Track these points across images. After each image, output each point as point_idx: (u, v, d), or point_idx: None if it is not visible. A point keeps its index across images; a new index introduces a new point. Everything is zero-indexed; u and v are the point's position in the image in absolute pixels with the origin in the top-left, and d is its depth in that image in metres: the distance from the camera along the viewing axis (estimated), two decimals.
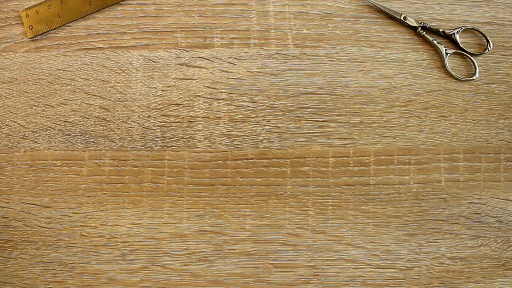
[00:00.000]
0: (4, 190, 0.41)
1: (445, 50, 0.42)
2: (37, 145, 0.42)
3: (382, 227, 0.42)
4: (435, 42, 0.42)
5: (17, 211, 0.41)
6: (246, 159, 0.41)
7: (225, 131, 0.42)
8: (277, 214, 0.41)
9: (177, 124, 0.42)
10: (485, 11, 0.44)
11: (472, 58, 0.43)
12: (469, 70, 0.43)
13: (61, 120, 0.42)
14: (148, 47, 0.42)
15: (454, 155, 0.42)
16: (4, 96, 0.42)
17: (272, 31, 0.43)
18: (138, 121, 0.42)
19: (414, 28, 0.43)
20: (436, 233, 0.42)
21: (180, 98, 0.42)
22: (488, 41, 0.43)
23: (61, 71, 0.42)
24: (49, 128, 0.42)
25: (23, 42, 0.42)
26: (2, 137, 0.42)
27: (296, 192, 0.41)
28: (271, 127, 0.42)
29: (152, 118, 0.42)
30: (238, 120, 0.42)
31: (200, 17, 0.43)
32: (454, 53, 0.43)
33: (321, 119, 0.42)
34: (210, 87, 0.42)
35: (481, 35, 0.43)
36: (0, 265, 0.41)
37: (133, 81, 0.42)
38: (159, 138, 0.42)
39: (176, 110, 0.42)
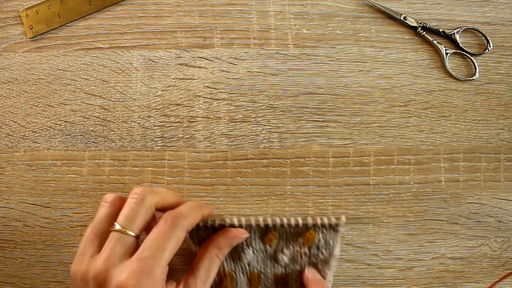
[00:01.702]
0: (4, 190, 0.41)
1: (445, 50, 0.42)
2: (37, 145, 0.42)
3: (382, 227, 0.42)
4: (435, 42, 0.42)
5: (17, 211, 0.41)
6: (246, 159, 0.41)
7: (225, 131, 0.42)
8: (277, 214, 0.41)
9: (177, 124, 0.42)
10: (485, 11, 0.43)
11: (472, 58, 0.43)
12: (469, 70, 0.43)
13: (61, 120, 0.42)
14: (148, 47, 0.42)
15: (454, 155, 0.42)
16: (4, 96, 0.42)
17: (272, 31, 0.43)
18: (138, 121, 0.42)
19: (414, 28, 0.43)
20: (436, 233, 0.42)
21: (180, 98, 0.42)
22: (488, 41, 0.43)
23: (61, 71, 0.42)
24: (49, 128, 0.42)
25: (23, 42, 0.42)
26: (2, 137, 0.42)
27: (296, 192, 0.41)
28: (271, 127, 0.42)
29: (152, 118, 0.42)
30: (238, 120, 0.42)
31: (200, 17, 0.43)
32: (454, 53, 0.43)
33: (321, 119, 0.42)
34: (210, 87, 0.42)
35: (481, 35, 0.43)
36: (0, 265, 0.41)
37: (133, 81, 0.42)
38: (159, 138, 0.41)
39: (176, 110, 0.42)
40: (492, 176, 0.42)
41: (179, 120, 0.42)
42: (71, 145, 0.41)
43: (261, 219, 0.37)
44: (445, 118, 0.42)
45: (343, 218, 0.37)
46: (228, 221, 0.36)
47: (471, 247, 0.42)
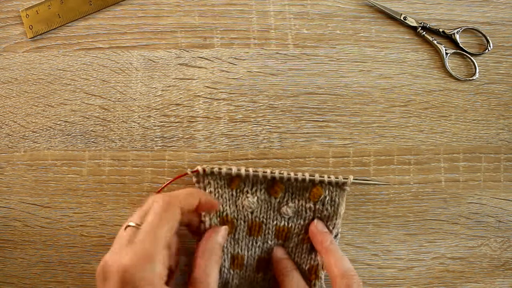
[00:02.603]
0: (4, 190, 0.41)
1: (445, 50, 0.42)
2: (37, 145, 0.42)
3: (382, 227, 0.42)
4: (435, 42, 0.42)
5: (17, 211, 0.41)
6: (246, 159, 0.41)
7: (225, 131, 0.42)
8: None
9: (177, 124, 0.42)
10: (485, 11, 0.43)
11: (472, 58, 0.43)
12: (469, 70, 0.43)
13: (61, 120, 0.42)
14: (148, 47, 0.42)
15: (454, 155, 0.42)
16: (4, 96, 0.42)
17: (272, 31, 0.43)
18: (138, 121, 0.42)
19: (414, 28, 0.43)
20: (436, 233, 0.42)
21: (180, 98, 0.42)
22: (488, 41, 0.43)
23: (61, 71, 0.42)
24: (49, 128, 0.42)
25: (23, 42, 0.42)
26: (2, 137, 0.42)
27: None
28: (271, 127, 0.42)
29: (152, 118, 0.42)
30: (238, 120, 0.42)
31: (200, 17, 0.43)
32: (454, 53, 0.43)
33: (321, 119, 0.42)
34: (210, 87, 0.42)
35: (481, 35, 0.43)
36: (0, 265, 0.41)
37: (133, 81, 0.42)
38: (159, 138, 0.41)
39: (176, 110, 0.42)
40: (492, 176, 0.42)
41: (179, 120, 0.42)
42: (71, 145, 0.41)
43: (268, 171, 0.38)
44: (445, 118, 0.42)
45: (351, 177, 0.38)
46: (235, 170, 0.38)
47: (471, 247, 0.42)
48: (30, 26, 0.42)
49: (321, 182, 0.38)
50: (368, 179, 0.41)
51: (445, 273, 0.42)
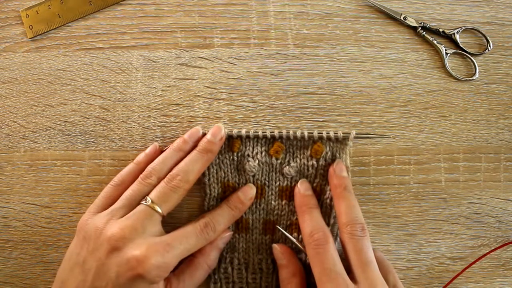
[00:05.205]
0: (4, 190, 0.41)
1: (445, 50, 0.42)
2: (37, 145, 0.42)
3: (382, 227, 0.42)
4: (435, 42, 0.42)
5: (17, 211, 0.41)
6: None
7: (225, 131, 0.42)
8: None
9: (177, 124, 0.42)
10: (485, 11, 0.44)
11: (472, 58, 0.43)
12: (469, 70, 0.43)
13: (61, 120, 0.42)
14: (148, 47, 0.42)
15: (454, 155, 0.42)
16: (4, 96, 0.42)
17: (272, 31, 0.43)
18: (138, 121, 0.42)
19: (414, 28, 0.43)
20: (436, 233, 0.42)
21: (180, 98, 0.42)
22: (488, 41, 0.43)
23: (61, 71, 0.42)
24: (49, 128, 0.42)
25: (23, 42, 0.42)
26: (2, 137, 0.42)
27: None
28: (271, 127, 0.42)
29: (152, 118, 0.42)
30: (238, 120, 0.42)
31: (200, 17, 0.43)
32: (454, 53, 0.43)
33: (321, 119, 0.42)
34: (210, 87, 0.42)
35: (481, 35, 0.43)
36: (0, 265, 0.41)
37: (133, 81, 0.42)
38: (159, 138, 0.41)
39: (176, 110, 0.42)
40: (492, 176, 0.42)
41: (179, 120, 0.42)
42: (71, 145, 0.41)
43: (268, 131, 0.39)
44: (445, 118, 0.42)
45: (353, 132, 0.38)
46: (235, 131, 0.39)
47: (471, 247, 0.42)
48: (30, 26, 0.42)
49: (321, 138, 0.38)
50: (369, 134, 0.41)
51: (445, 273, 0.42)
